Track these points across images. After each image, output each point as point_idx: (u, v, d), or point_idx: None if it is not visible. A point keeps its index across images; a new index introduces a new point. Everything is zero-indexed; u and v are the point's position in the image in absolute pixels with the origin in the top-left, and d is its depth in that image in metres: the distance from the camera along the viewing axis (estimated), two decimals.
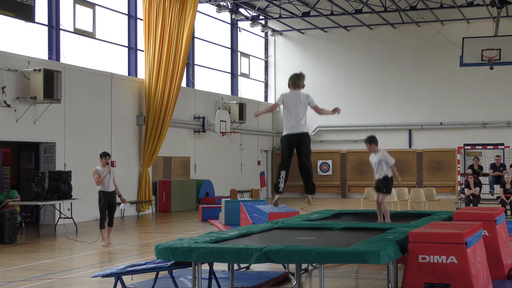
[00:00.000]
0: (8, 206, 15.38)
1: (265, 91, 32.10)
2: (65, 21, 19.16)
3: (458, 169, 23.36)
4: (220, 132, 25.17)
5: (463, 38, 22.61)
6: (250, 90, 30.74)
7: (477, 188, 19.62)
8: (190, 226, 17.93)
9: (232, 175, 27.66)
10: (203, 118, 25.35)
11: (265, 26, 31.12)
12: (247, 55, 30.32)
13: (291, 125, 8.15)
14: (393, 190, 20.50)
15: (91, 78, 19.69)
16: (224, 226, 16.64)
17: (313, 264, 9.92)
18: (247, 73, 30.37)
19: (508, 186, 19.19)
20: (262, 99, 31.78)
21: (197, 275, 7.15)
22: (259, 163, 30.40)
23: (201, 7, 25.49)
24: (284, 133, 8.29)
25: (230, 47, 29.23)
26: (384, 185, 10.39)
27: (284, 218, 11.03)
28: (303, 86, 8.33)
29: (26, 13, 16.75)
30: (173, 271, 7.78)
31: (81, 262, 11.86)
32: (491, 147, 23.84)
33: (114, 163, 19.23)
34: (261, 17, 29.54)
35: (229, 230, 8.86)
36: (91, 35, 20.04)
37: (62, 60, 18.82)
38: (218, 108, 26.03)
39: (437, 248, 6.83)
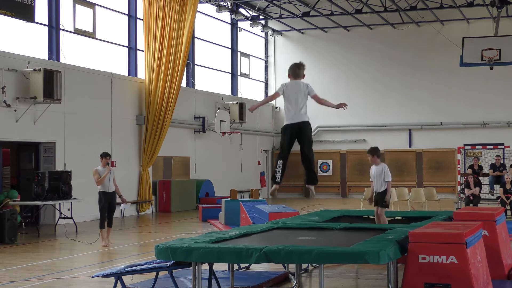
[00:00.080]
0: (8, 206, 15.38)
1: (265, 91, 32.09)
2: (65, 21, 19.16)
3: (458, 169, 23.36)
4: (220, 132, 25.17)
5: (463, 38, 22.60)
6: (250, 90, 30.74)
7: (477, 188, 19.62)
8: (190, 226, 17.93)
9: (232, 175, 27.66)
10: (203, 118, 25.35)
11: (265, 26, 31.12)
12: (247, 55, 30.32)
13: (292, 115, 8.09)
14: (393, 190, 20.64)
15: (91, 78, 19.69)
16: (224, 226, 16.64)
17: (313, 264, 9.92)
18: (247, 73, 30.37)
19: (508, 186, 19.19)
20: (262, 99, 31.75)
21: (197, 275, 7.15)
22: (259, 163, 30.40)
23: (201, 7, 25.49)
24: (284, 123, 8.22)
25: (230, 47, 29.24)
26: (383, 199, 10.46)
27: (284, 218, 11.03)
28: (303, 76, 8.29)
29: (26, 13, 16.75)
30: (173, 271, 7.78)
31: (81, 262, 11.86)
32: (491, 147, 23.84)
33: (114, 163, 19.22)
34: (261, 17, 29.54)
35: (229, 230, 8.86)
36: (91, 35, 20.04)
37: (62, 60, 18.82)
38: (218, 108, 26.03)
39: (437, 248, 6.83)
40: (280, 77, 31.73)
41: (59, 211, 17.19)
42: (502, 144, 23.83)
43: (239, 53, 29.60)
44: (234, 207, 16.97)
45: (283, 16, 28.89)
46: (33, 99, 16.87)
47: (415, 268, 6.89)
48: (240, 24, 29.63)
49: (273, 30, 31.66)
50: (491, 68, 22.51)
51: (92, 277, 8.47)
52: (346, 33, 30.99)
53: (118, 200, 13.94)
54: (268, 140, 31.43)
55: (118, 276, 7.78)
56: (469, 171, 21.09)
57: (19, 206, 16.20)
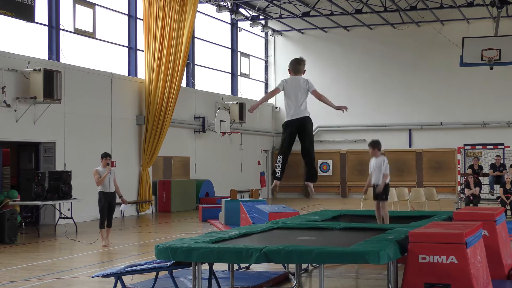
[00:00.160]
0: (8, 206, 15.38)
1: (265, 91, 32.07)
2: (65, 21, 19.16)
3: (458, 169, 23.36)
4: (220, 132, 25.17)
5: (463, 38, 22.61)
6: (250, 90, 30.74)
7: (477, 188, 19.62)
8: (190, 226, 17.93)
9: (232, 175, 27.66)
10: (203, 118, 25.35)
11: (265, 26, 31.12)
12: (247, 55, 30.32)
13: (292, 111, 8.03)
14: (393, 190, 20.66)
15: (91, 78, 19.69)
16: (224, 226, 16.64)
17: (313, 264, 9.92)
18: (247, 73, 30.37)
19: (508, 186, 19.19)
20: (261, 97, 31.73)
21: (197, 275, 7.15)
22: (259, 163, 30.40)
23: (201, 7, 25.49)
24: (285, 120, 8.17)
25: (230, 47, 29.24)
26: (383, 193, 10.45)
27: (284, 218, 11.03)
28: (304, 71, 8.23)
29: (26, 13, 16.75)
30: (173, 271, 7.78)
31: (81, 262, 11.86)
32: (491, 147, 23.84)
33: (114, 163, 19.22)
34: (261, 17, 29.54)
35: (229, 230, 8.86)
36: (91, 35, 20.04)
37: (62, 60, 18.82)
38: (218, 108, 26.03)
39: (437, 248, 6.84)
40: (280, 77, 31.64)
41: (59, 211, 17.19)
42: (502, 144, 23.83)
43: (239, 53, 29.60)
44: (234, 207, 16.97)
45: (283, 16, 28.90)
46: (33, 99, 16.87)
47: (415, 268, 6.89)
48: (240, 24, 29.63)
49: (273, 30, 31.66)
50: (491, 68, 22.51)
51: (92, 277, 8.48)
52: (346, 33, 30.99)
53: (118, 200, 13.94)
54: (268, 140, 31.43)
55: (118, 276, 7.78)
56: (469, 171, 21.09)
57: (19, 206, 16.20)
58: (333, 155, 30.68)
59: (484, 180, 21.28)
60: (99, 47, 20.95)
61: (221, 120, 25.12)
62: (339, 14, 27.94)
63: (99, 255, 12.61)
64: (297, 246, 6.90)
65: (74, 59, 19.44)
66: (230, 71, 29.24)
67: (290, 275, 9.36)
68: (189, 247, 7.01)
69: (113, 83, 20.72)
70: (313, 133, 8.43)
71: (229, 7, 26.96)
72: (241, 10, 28.75)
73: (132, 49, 22.33)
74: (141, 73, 22.27)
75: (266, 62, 32.22)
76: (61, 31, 18.98)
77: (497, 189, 20.33)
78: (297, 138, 8.03)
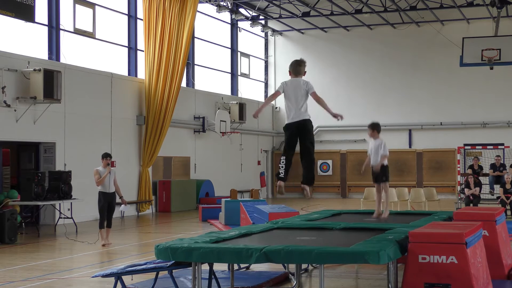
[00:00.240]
0: (8, 206, 15.38)
1: (265, 91, 32.09)
2: (65, 21, 19.16)
3: (458, 169, 23.37)
4: (220, 132, 25.17)
5: (463, 38, 22.61)
6: (250, 90, 30.74)
7: (477, 188, 19.62)
8: (190, 226, 17.93)
9: (232, 175, 27.66)
10: (203, 118, 25.35)
11: (265, 26, 31.12)
12: (247, 55, 30.32)
13: (292, 113, 7.98)
14: (393, 190, 20.66)
15: (91, 78, 19.69)
16: (224, 226, 16.64)
17: (313, 264, 9.92)
18: (247, 73, 30.37)
19: (508, 186, 19.20)
20: (262, 99, 31.74)
21: (197, 275, 7.15)
22: (259, 163, 30.40)
23: (201, 7, 25.49)
24: (286, 122, 8.12)
25: (230, 47, 29.24)
26: (383, 174, 10.36)
27: (284, 218, 11.02)
28: (304, 73, 8.18)
29: (26, 13, 16.75)
30: (173, 271, 7.78)
31: (81, 262, 11.86)
32: (491, 147, 23.84)
33: (114, 163, 19.22)
34: (261, 17, 29.54)
35: (229, 230, 8.86)
36: (91, 35, 20.04)
37: (62, 60, 18.82)
38: (218, 108, 26.04)
39: (437, 248, 6.83)
40: (280, 77, 31.70)
41: (59, 211, 17.20)
42: (502, 144, 23.84)
43: (239, 53, 29.60)
44: (234, 207, 16.97)
45: (283, 16, 28.90)
46: (33, 99, 16.87)
47: (415, 268, 6.89)
48: (240, 24, 29.63)
49: (273, 30, 31.66)
50: (491, 68, 22.51)
51: (92, 277, 8.48)
52: (346, 33, 31.00)
53: (118, 200, 13.94)
54: (268, 140, 31.43)
55: (118, 276, 7.78)
56: (469, 171, 21.09)
57: (19, 206, 16.20)
58: (333, 155, 30.68)
59: (484, 180, 21.28)
60: (99, 47, 20.95)
61: (221, 120, 25.13)
62: (339, 14, 27.94)
63: (99, 255, 12.61)
64: (297, 246, 6.89)
65: (74, 59, 19.45)
66: (230, 71, 29.24)
67: (290, 275, 9.37)
68: (189, 247, 7.01)
69: (113, 83, 20.73)
70: (313, 133, 8.39)
71: (229, 7, 26.96)
72: (241, 10, 28.75)
73: (132, 49, 22.34)
74: (141, 73, 22.27)
75: (266, 62, 32.22)
76: (61, 31, 18.98)
77: (497, 189, 20.33)
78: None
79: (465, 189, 19.73)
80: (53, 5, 18.79)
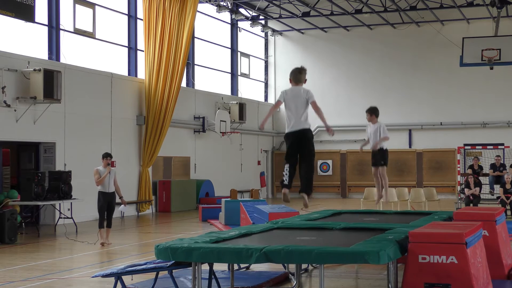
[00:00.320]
0: (8, 206, 15.38)
1: (265, 91, 32.11)
2: (65, 21, 19.16)
3: (458, 169, 23.37)
4: (220, 132, 25.17)
5: (463, 38, 22.61)
6: (250, 90, 30.75)
7: (477, 188, 19.62)
8: (190, 226, 17.93)
9: (232, 175, 27.66)
10: (203, 118, 25.35)
11: (265, 26, 31.12)
12: (247, 55, 30.33)
13: (292, 122, 7.92)
14: (393, 190, 20.66)
15: (91, 78, 19.69)
16: (224, 226, 16.64)
17: (313, 264, 9.92)
18: (247, 73, 30.37)
19: (508, 186, 19.20)
20: (262, 99, 31.79)
21: (197, 275, 7.15)
22: (259, 163, 30.40)
23: (201, 7, 25.49)
24: (286, 131, 8.08)
25: (230, 47, 29.24)
26: (382, 158, 10.33)
27: (284, 218, 11.03)
28: (305, 80, 8.11)
29: (26, 13, 16.75)
30: (173, 271, 7.78)
31: (81, 262, 11.86)
32: (491, 147, 23.84)
33: (114, 163, 19.22)
34: (261, 17, 29.54)
35: (229, 230, 8.86)
36: (91, 35, 20.04)
37: (62, 60, 18.82)
38: (218, 108, 26.04)
39: (437, 248, 6.84)
40: (280, 77, 31.76)
41: (59, 211, 17.20)
42: (502, 144, 23.84)
43: (239, 53, 29.60)
44: (234, 207, 16.97)
45: (283, 16, 28.90)
46: (33, 99, 16.88)
47: (415, 268, 6.89)
48: (240, 24, 29.63)
49: (273, 30, 31.66)
50: (491, 68, 22.51)
51: (92, 277, 8.48)
52: (346, 33, 31.00)
53: (118, 200, 13.93)
54: (268, 140, 31.42)
55: (118, 276, 7.78)
56: (469, 171, 21.09)
57: (19, 206, 16.20)
58: (333, 155, 30.68)
59: (484, 180, 21.28)
60: (99, 47, 20.95)
61: (221, 120, 25.13)
62: (339, 14, 27.94)
63: (99, 255, 12.61)
64: (297, 246, 6.90)
65: (74, 59, 19.45)
66: (230, 71, 29.24)
67: (290, 275, 9.37)
68: (189, 247, 7.01)
69: (113, 83, 20.72)
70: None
71: (229, 7, 26.96)
72: (241, 10, 28.75)
73: (132, 49, 22.34)
74: (141, 73, 22.27)
75: (266, 62, 32.22)
76: (61, 31, 18.98)
77: (497, 189, 20.33)
78: None
79: (465, 189, 19.73)
80: (53, 5, 18.79)
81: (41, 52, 18.48)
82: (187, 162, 25.01)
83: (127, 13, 22.32)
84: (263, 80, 32.15)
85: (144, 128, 21.86)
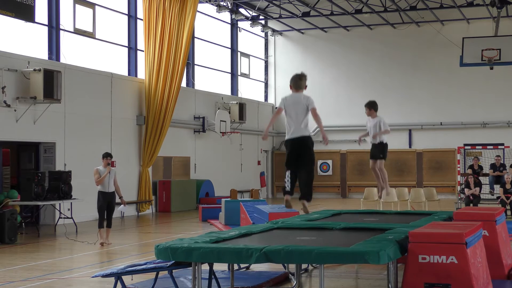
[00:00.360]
0: (8, 206, 15.38)
1: (265, 91, 32.11)
2: (65, 21, 19.16)
3: (458, 169, 23.36)
4: (220, 132, 25.17)
5: (463, 38, 22.61)
6: (250, 90, 30.75)
7: (477, 188, 19.62)
8: (190, 226, 17.93)
9: (232, 175, 27.66)
10: (203, 118, 25.35)
11: (265, 26, 31.12)
12: (247, 55, 30.33)
13: (292, 129, 7.88)
14: (394, 190, 20.65)
15: (91, 78, 19.69)
16: (224, 226, 16.64)
17: (313, 264, 9.92)
18: (247, 73, 30.37)
19: (508, 186, 19.19)
20: (262, 99, 31.79)
21: (197, 275, 7.15)
22: (259, 163, 30.40)
23: (201, 7, 25.49)
24: (285, 138, 8.03)
25: (230, 47, 29.24)
26: (381, 151, 10.30)
27: (284, 218, 11.03)
28: (305, 86, 8.06)
29: (26, 13, 16.75)
30: (173, 271, 7.79)
31: (81, 262, 11.86)
32: (491, 147, 23.84)
33: (114, 163, 19.22)
34: (261, 17, 29.54)
35: (229, 230, 8.86)
36: (91, 35, 20.04)
37: (62, 60, 18.82)
38: (218, 108, 26.04)
39: (437, 248, 6.84)
40: (280, 77, 31.76)
41: (59, 211, 17.20)
42: (502, 144, 23.83)
43: (239, 53, 29.60)
44: (234, 207, 16.97)
45: (283, 16, 28.90)
46: (33, 99, 16.88)
47: (415, 268, 6.89)
48: (240, 24, 29.63)
49: (273, 30, 31.66)
50: (491, 68, 22.51)
51: (92, 277, 8.48)
52: (346, 33, 30.99)
53: (117, 200, 13.93)
54: (268, 140, 31.41)
55: (118, 276, 7.78)
56: (469, 171, 21.09)
57: (19, 206, 16.20)
58: (333, 155, 30.67)
59: (484, 180, 21.28)
60: (99, 47, 20.96)
61: (221, 120, 25.13)
62: (339, 14, 27.94)
63: (99, 255, 12.61)
64: (297, 246, 6.90)
65: (74, 59, 19.45)
66: (230, 71, 29.24)
67: (290, 275, 9.37)
68: (189, 247, 7.01)
69: (113, 83, 20.72)
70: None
71: (229, 7, 26.96)
72: (241, 10, 28.75)
73: (132, 49, 22.34)
74: (141, 73, 22.27)
75: (266, 62, 32.22)
76: (61, 31, 18.99)
77: (497, 189, 20.33)
78: None
79: (465, 189, 19.73)
80: (53, 5, 18.79)
81: (41, 52, 18.49)
82: (187, 162, 25.01)
83: (127, 13, 22.32)
84: (263, 80, 32.15)
85: (144, 128, 21.86)
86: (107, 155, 13.61)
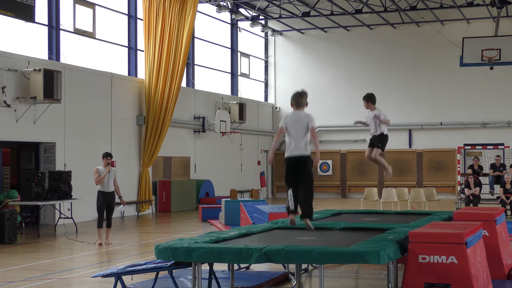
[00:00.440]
0: (8, 206, 15.38)
1: (265, 91, 32.10)
2: (65, 21, 19.16)
3: (458, 169, 23.36)
4: (220, 132, 25.17)
5: (463, 38, 22.61)
6: (250, 90, 30.74)
7: (477, 188, 19.62)
8: (190, 226, 17.93)
9: (232, 175, 27.66)
10: (203, 118, 25.35)
11: (265, 26, 31.12)
12: (247, 55, 30.32)
13: (291, 147, 7.78)
14: (393, 190, 20.64)
15: (91, 78, 19.69)
16: (224, 226, 16.64)
17: (313, 264, 9.92)
18: (247, 73, 30.37)
19: (508, 186, 19.19)
20: (262, 99, 31.79)
21: (197, 275, 7.15)
22: (259, 163, 30.40)
23: (201, 7, 25.48)
24: (285, 155, 7.91)
25: (230, 47, 29.24)
26: (380, 141, 10.26)
27: (284, 218, 11.02)
28: (306, 104, 7.98)
29: (26, 13, 16.75)
30: (173, 271, 7.78)
31: (81, 262, 11.86)
32: (491, 147, 23.84)
33: (114, 163, 19.21)
34: (261, 17, 29.54)
35: (229, 230, 8.87)
36: (91, 35, 20.04)
37: (62, 60, 18.82)
38: (218, 108, 26.04)
39: (437, 248, 6.84)
40: (280, 77, 31.77)
41: (59, 211, 17.20)
42: (502, 144, 23.83)
43: (239, 53, 29.60)
44: (234, 207, 16.97)
45: (283, 16, 28.89)
46: (33, 99, 16.88)
47: (415, 268, 6.89)
48: (240, 24, 29.63)
49: (273, 30, 31.66)
50: (491, 68, 22.51)
51: (92, 277, 8.48)
52: (346, 33, 30.99)
53: (117, 200, 13.93)
54: (268, 140, 31.41)
55: (118, 276, 7.78)
56: (469, 171, 21.09)
57: (19, 206, 16.20)
58: (333, 155, 30.67)
59: (484, 180, 21.28)
60: (99, 47, 20.96)
61: (221, 120, 25.13)
62: (339, 14, 27.94)
63: (99, 255, 12.61)
64: (297, 246, 6.90)
65: (74, 59, 19.45)
66: (230, 71, 29.24)
67: (290, 275, 9.37)
68: (189, 247, 7.01)
69: (113, 83, 20.73)
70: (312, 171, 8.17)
71: (229, 7, 26.96)
72: (241, 10, 28.75)
73: (132, 49, 22.34)
74: (141, 73, 22.27)
75: (266, 62, 32.22)
76: (61, 31, 18.99)
77: (497, 189, 20.33)
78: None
79: (465, 189, 19.73)
80: (53, 5, 18.79)
81: (41, 52, 18.49)
82: (187, 162, 25.01)
83: (127, 13, 22.32)
84: (263, 80, 32.14)
85: (144, 128, 21.86)
86: (107, 155, 13.61)
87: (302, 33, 31.58)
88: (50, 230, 16.43)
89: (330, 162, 30.57)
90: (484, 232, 8.41)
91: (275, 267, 10.04)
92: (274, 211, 13.87)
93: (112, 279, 7.97)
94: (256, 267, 10.20)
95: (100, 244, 13.52)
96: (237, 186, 25.56)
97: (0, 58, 16.42)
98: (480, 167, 21.67)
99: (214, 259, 7.03)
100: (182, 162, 24.78)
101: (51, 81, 16.96)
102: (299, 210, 7.99)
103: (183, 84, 23.50)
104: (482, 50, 21.32)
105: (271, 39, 32.20)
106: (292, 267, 9.27)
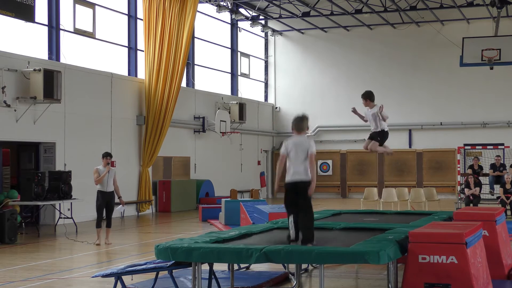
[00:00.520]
0: (8, 206, 15.38)
1: (265, 91, 32.10)
2: (65, 21, 19.16)
3: (458, 169, 23.36)
4: (220, 132, 25.17)
5: (463, 38, 22.61)
6: (250, 90, 30.75)
7: (477, 188, 19.62)
8: (190, 226, 17.93)
9: (232, 175, 27.66)
10: (203, 118, 25.35)
11: (265, 26, 31.12)
12: (247, 55, 30.32)
13: (291, 172, 7.68)
14: (393, 190, 20.64)
15: (91, 78, 19.69)
16: (224, 226, 16.64)
17: (313, 264, 9.92)
18: (247, 73, 30.37)
19: (508, 186, 19.19)
20: (262, 99, 31.78)
21: (197, 275, 7.15)
22: (259, 163, 30.40)
23: (201, 7, 25.49)
24: (285, 180, 7.79)
25: (230, 47, 29.24)
26: (380, 137, 10.29)
27: (284, 218, 11.02)
28: (307, 128, 7.93)
29: (26, 13, 16.75)
30: (173, 271, 7.78)
31: (81, 262, 11.86)
32: (491, 147, 23.84)
33: (114, 163, 19.21)
34: (261, 17, 29.54)
35: (229, 230, 8.87)
36: (91, 35, 20.04)
37: (62, 60, 18.83)
38: (218, 108, 26.04)
39: (437, 248, 6.84)
40: (280, 77, 31.77)
41: (59, 211, 17.20)
42: (502, 144, 23.83)
43: (239, 53, 29.60)
44: (234, 207, 16.97)
45: (283, 16, 28.89)
46: (33, 99, 16.88)
47: (415, 268, 6.89)
48: (240, 24, 29.63)
49: (273, 30, 31.66)
50: (491, 68, 22.51)
51: (92, 277, 8.48)
52: (346, 33, 30.99)
53: (117, 200, 13.93)
54: (268, 140, 31.42)
55: (118, 276, 7.78)
56: (469, 171, 21.09)
57: (19, 206, 16.20)
58: (333, 155, 30.67)
59: (484, 180, 21.28)
60: (99, 47, 20.96)
61: (221, 120, 25.13)
62: (339, 14, 27.94)
63: (99, 255, 12.61)
64: (297, 246, 6.90)
65: (74, 59, 19.45)
66: (230, 71, 29.24)
67: (290, 275, 9.37)
68: (189, 247, 7.01)
69: (113, 83, 20.73)
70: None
71: (229, 7, 26.96)
72: (241, 10, 28.75)
73: (132, 49, 22.34)
74: (141, 73, 22.27)
75: (266, 62, 32.22)
76: (61, 31, 18.99)
77: (497, 189, 20.33)
78: None
79: (465, 189, 19.73)
80: (53, 5, 18.79)
81: (41, 52, 18.49)
82: (187, 162, 25.01)
83: (127, 13, 22.32)
84: (263, 80, 32.14)
85: (144, 128, 21.86)
86: (107, 155, 13.61)
87: (302, 33, 31.59)
88: (50, 230, 16.43)
89: (330, 162, 30.57)
90: (484, 232, 8.42)
91: (275, 267, 10.04)
92: (274, 211, 13.87)
93: (112, 279, 7.97)
94: (256, 267, 10.20)
95: (98, 244, 13.51)
96: (237, 186, 25.56)
97: (0, 58, 16.42)
98: (480, 167, 21.67)
99: (214, 259, 7.03)
100: (182, 162, 24.79)
101: (51, 81, 16.96)
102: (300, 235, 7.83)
103: (183, 84, 23.50)
104: (482, 50, 21.32)
105: (271, 39, 32.21)
106: (292, 267, 9.27)
